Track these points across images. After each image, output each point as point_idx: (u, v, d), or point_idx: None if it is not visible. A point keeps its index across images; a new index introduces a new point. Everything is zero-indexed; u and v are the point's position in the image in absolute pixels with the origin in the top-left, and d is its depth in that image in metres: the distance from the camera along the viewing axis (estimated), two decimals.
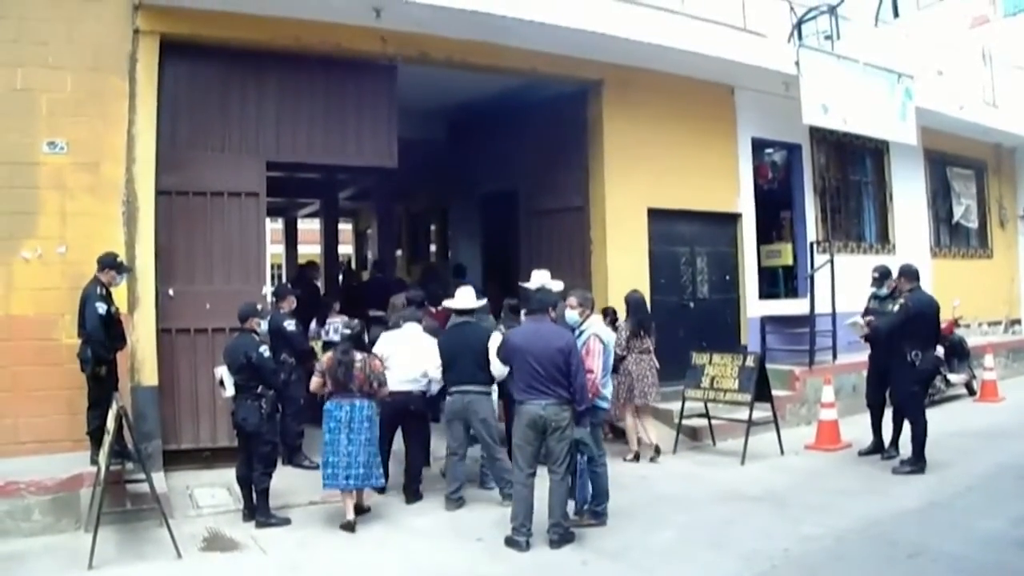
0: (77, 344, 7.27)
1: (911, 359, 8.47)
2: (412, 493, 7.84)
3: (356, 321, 7.62)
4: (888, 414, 9.13)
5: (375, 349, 7.64)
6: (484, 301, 8.56)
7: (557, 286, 8.60)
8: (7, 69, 7.61)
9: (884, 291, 9.32)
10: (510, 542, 6.45)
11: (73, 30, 7.83)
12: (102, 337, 7.15)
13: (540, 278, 8.86)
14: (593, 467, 6.95)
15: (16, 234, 7.58)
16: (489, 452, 7.77)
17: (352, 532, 6.84)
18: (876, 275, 9.53)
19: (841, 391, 10.58)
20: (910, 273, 8.78)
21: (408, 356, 7.83)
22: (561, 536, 6.47)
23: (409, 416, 7.89)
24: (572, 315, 7.22)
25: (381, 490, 7.72)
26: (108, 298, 7.29)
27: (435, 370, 7.86)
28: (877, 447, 9.18)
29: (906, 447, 8.68)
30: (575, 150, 11.28)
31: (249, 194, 8.85)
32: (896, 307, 8.74)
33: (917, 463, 8.38)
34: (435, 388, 8.07)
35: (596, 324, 7.27)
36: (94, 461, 6.93)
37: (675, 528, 6.91)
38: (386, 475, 7.65)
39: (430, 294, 10.08)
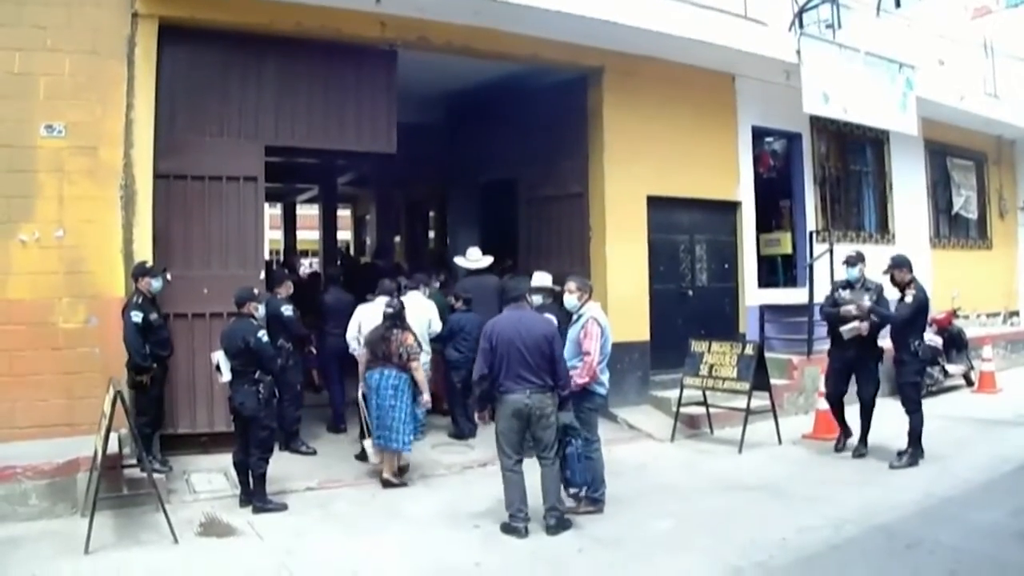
0: (75, 328, 7.46)
1: (914, 349, 8.44)
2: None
3: (397, 300, 8.21)
4: (855, 410, 8.89)
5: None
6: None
7: (486, 261, 10.26)
8: (5, 52, 7.54)
9: (856, 273, 8.79)
10: (508, 528, 6.46)
11: (72, 14, 7.76)
12: (137, 344, 7.26)
13: (472, 254, 10.52)
14: (588, 452, 6.97)
15: (13, 217, 7.54)
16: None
17: (390, 487, 7.73)
18: (852, 255, 8.93)
19: None
20: (907, 263, 8.60)
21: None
22: (558, 520, 6.48)
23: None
24: (571, 300, 7.22)
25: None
26: (148, 306, 7.41)
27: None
28: (847, 438, 9.05)
29: (891, 441, 8.66)
30: (575, 137, 11.22)
31: (247, 179, 8.82)
32: (889, 298, 8.63)
33: (915, 454, 8.36)
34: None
35: (594, 308, 7.27)
36: (143, 470, 6.78)
37: (673, 516, 6.91)
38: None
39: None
